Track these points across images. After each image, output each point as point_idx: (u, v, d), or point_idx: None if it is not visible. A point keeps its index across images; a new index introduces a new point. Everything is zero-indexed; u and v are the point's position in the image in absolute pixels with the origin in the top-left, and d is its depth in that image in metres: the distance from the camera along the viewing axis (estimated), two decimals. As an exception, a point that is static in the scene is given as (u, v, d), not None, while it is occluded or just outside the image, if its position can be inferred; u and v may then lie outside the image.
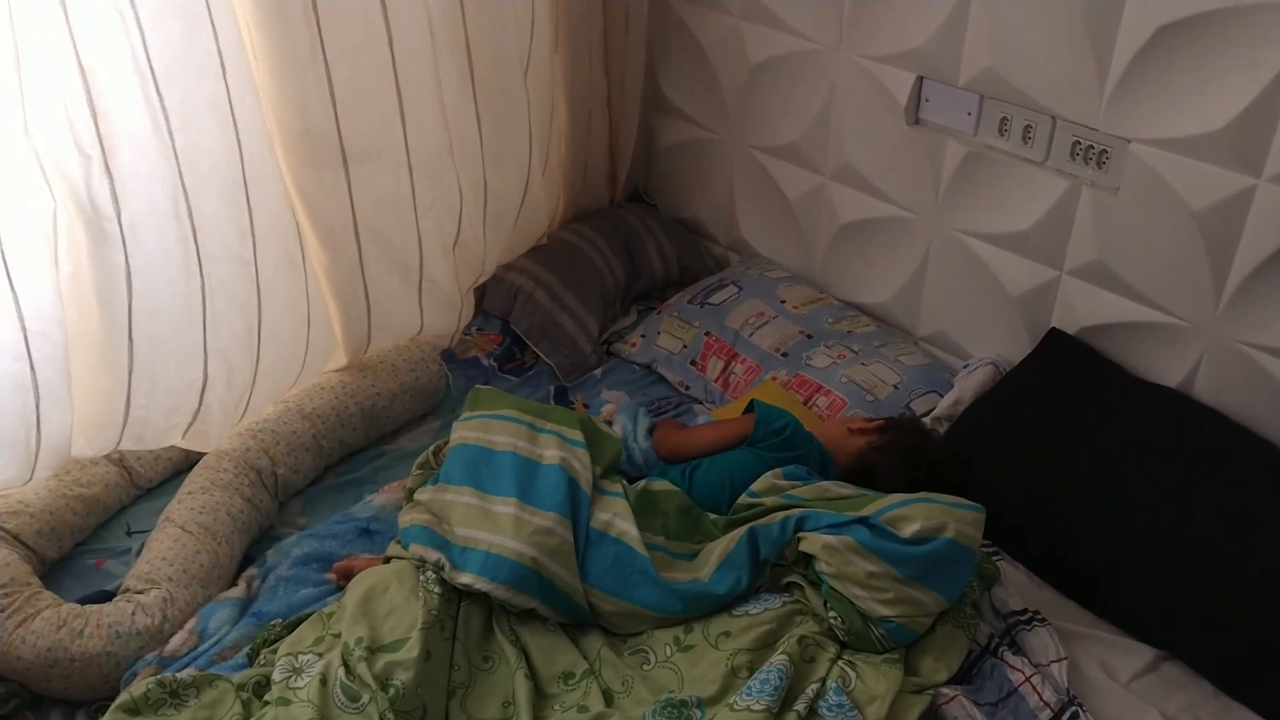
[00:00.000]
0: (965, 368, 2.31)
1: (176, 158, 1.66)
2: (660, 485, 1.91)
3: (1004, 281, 2.23)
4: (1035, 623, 1.81)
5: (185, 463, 2.09)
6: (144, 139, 1.62)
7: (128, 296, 1.68)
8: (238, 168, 1.76)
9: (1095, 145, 1.98)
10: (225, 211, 1.78)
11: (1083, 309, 2.12)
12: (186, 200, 1.70)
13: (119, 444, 1.85)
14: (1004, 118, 2.10)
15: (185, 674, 1.60)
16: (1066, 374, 2.11)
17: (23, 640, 1.67)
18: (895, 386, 2.27)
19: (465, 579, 1.71)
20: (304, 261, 1.96)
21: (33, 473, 1.78)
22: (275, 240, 1.88)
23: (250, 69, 1.77)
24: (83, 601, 1.84)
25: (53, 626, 1.69)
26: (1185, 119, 1.83)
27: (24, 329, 1.65)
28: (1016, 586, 1.89)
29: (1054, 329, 2.18)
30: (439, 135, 2.08)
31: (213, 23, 1.68)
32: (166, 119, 1.64)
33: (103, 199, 1.62)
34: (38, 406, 1.72)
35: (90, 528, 2.00)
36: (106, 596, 1.86)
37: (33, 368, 1.69)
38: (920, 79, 2.20)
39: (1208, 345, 1.95)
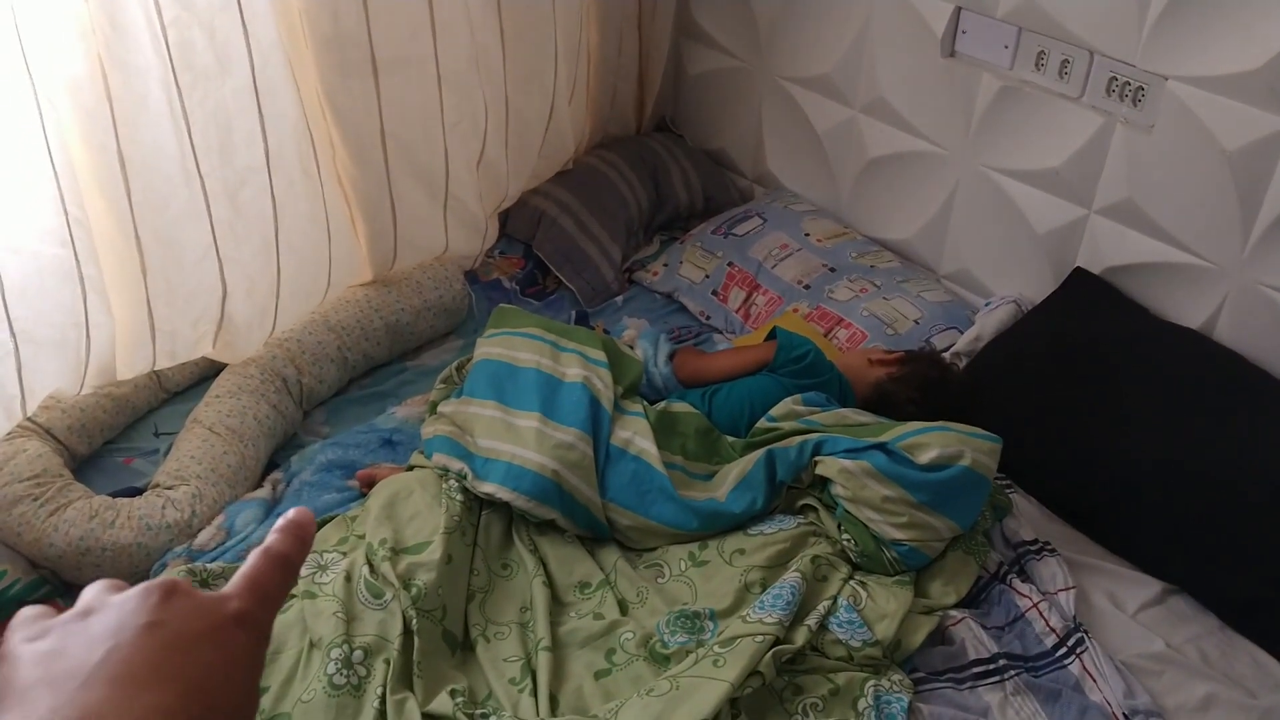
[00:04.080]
0: (987, 305, 2.31)
1: (170, 55, 1.65)
2: (680, 407, 1.94)
3: (1031, 219, 2.22)
4: (1045, 553, 1.83)
5: (212, 368, 2.12)
6: (137, 32, 1.61)
7: (125, 186, 1.68)
8: (246, 73, 1.75)
9: (1132, 82, 1.97)
10: (226, 114, 1.77)
11: (1109, 249, 2.12)
12: (181, 100, 1.69)
13: (154, 361, 1.87)
14: (1041, 51, 2.08)
15: (214, 565, 1.65)
16: (1088, 313, 2.12)
17: (55, 529, 1.71)
18: (916, 321, 2.28)
19: (488, 488, 1.75)
20: (320, 174, 1.96)
21: (82, 383, 1.81)
22: (290, 151, 1.88)
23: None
24: (112, 496, 1.89)
25: (85, 516, 1.73)
26: (1224, 57, 1.82)
27: (66, 213, 1.66)
28: (1028, 518, 1.91)
29: (1079, 268, 2.18)
30: (467, 48, 2.08)
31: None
32: (160, 15, 1.63)
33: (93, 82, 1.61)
34: (85, 302, 1.73)
35: (119, 426, 2.04)
36: (135, 494, 1.90)
37: (77, 257, 1.71)
38: (958, 9, 2.18)
39: (1232, 287, 1.95)
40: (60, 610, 0.46)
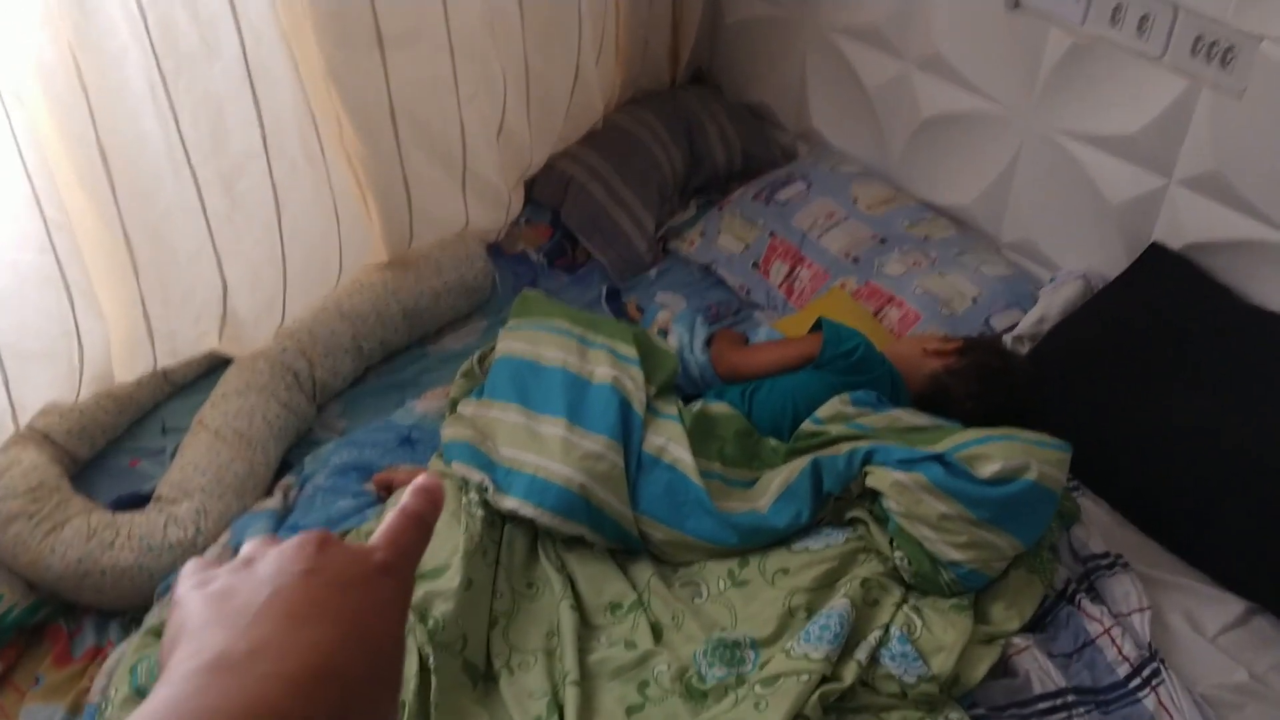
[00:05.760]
0: (1052, 281, 2.13)
1: (150, 38, 1.49)
2: (718, 408, 1.79)
3: (1103, 188, 2.02)
4: (1117, 567, 1.69)
5: (221, 359, 2.00)
6: (109, 13, 1.45)
7: (108, 180, 1.54)
8: (236, 52, 1.59)
9: (1221, 41, 1.75)
10: (215, 99, 1.62)
11: (1190, 223, 1.93)
12: (165, 85, 1.54)
13: (155, 361, 1.75)
14: (1118, 5, 1.86)
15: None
16: (1166, 293, 1.93)
17: (52, 550, 1.61)
18: (974, 300, 2.11)
19: (510, 504, 1.62)
20: (324, 156, 1.80)
21: (78, 391, 1.69)
22: (290, 133, 1.72)
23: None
24: (115, 504, 1.79)
25: (83, 536, 1.63)
26: (1333, 14, 1.60)
27: (43, 216, 1.53)
28: (1098, 526, 1.76)
29: (1155, 243, 1.98)
30: (480, 13, 1.90)
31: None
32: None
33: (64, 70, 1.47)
34: (73, 309, 1.61)
35: (123, 425, 1.93)
36: (141, 499, 1.80)
37: (59, 262, 1.58)
38: (1025, -43, 1.97)
39: (1331, 271, 1.76)
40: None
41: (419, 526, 0.51)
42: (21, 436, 1.74)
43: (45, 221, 1.51)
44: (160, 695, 0.41)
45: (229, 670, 0.42)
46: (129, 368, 1.75)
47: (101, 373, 1.71)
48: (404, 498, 0.52)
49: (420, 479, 0.53)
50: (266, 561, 0.47)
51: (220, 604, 0.46)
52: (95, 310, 1.64)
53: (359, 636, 0.45)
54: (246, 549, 0.50)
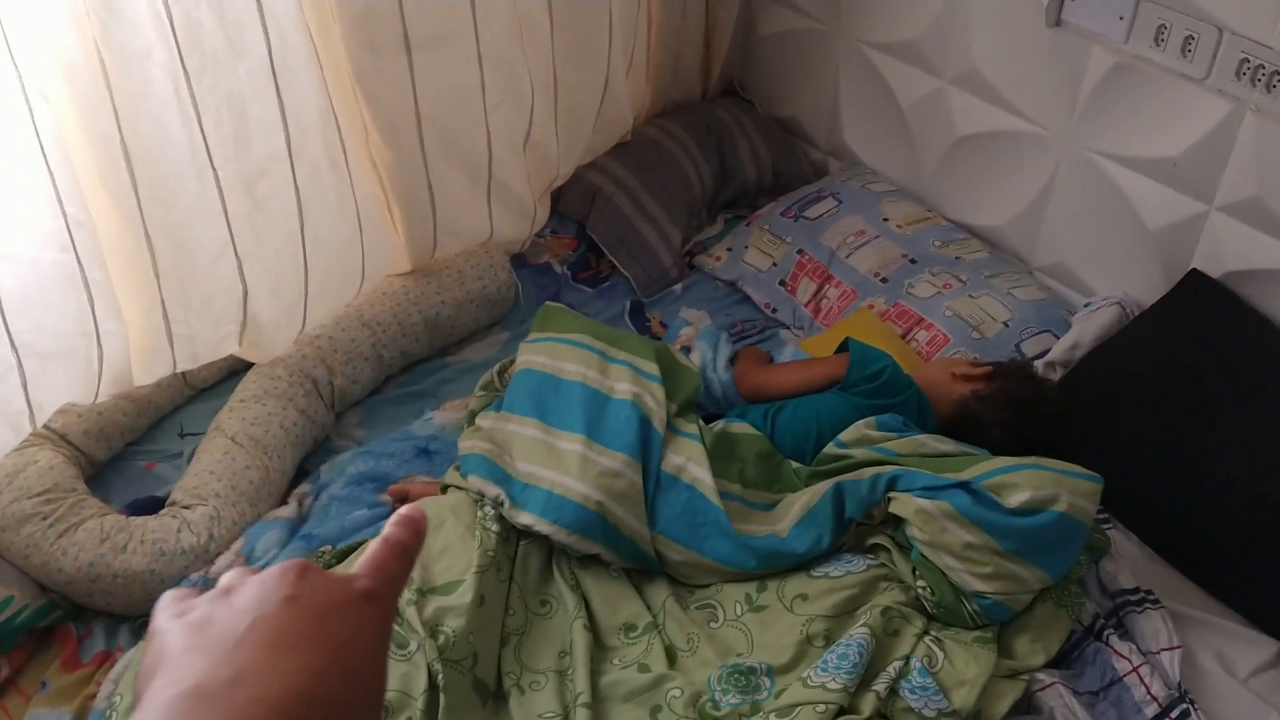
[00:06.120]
0: (1086, 306, 2.08)
1: (175, 37, 1.48)
2: (739, 428, 1.75)
3: (1141, 212, 1.98)
4: (1147, 604, 1.63)
5: (241, 363, 1.98)
6: (135, 13, 1.44)
7: (131, 180, 1.53)
8: (262, 54, 1.57)
9: (1267, 65, 1.71)
10: (240, 100, 1.61)
11: (1231, 251, 1.87)
12: (189, 85, 1.52)
13: (175, 364, 1.74)
14: (1162, 25, 1.82)
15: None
16: (1205, 322, 1.88)
17: (64, 552, 1.60)
18: (1005, 324, 2.06)
19: (525, 519, 1.59)
20: (347, 161, 1.79)
21: (97, 393, 1.68)
22: (314, 137, 1.71)
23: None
24: (130, 508, 1.78)
25: (95, 540, 1.62)
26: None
27: (65, 215, 1.52)
28: (1128, 560, 1.71)
29: (1194, 270, 1.93)
30: (510, 21, 1.88)
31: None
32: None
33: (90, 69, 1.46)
34: (93, 310, 1.60)
35: (141, 428, 1.92)
36: (156, 503, 1.79)
37: (79, 262, 1.57)
38: (1066, -26, 1.92)
39: (1378, 304, 1.71)
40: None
41: (402, 555, 0.51)
42: (38, 436, 1.73)
43: (66, 220, 1.50)
44: None
45: (210, 697, 0.42)
46: (148, 370, 1.73)
47: (120, 375, 1.70)
48: (386, 527, 0.52)
49: (404, 509, 0.53)
50: (246, 590, 0.47)
51: (200, 632, 0.45)
52: (115, 311, 1.63)
53: (341, 663, 0.45)
54: (225, 579, 0.49)
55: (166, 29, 1.47)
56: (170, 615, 0.47)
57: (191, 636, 0.45)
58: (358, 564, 0.50)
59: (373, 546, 0.51)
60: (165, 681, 0.43)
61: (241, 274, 1.73)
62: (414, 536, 0.52)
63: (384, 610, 0.49)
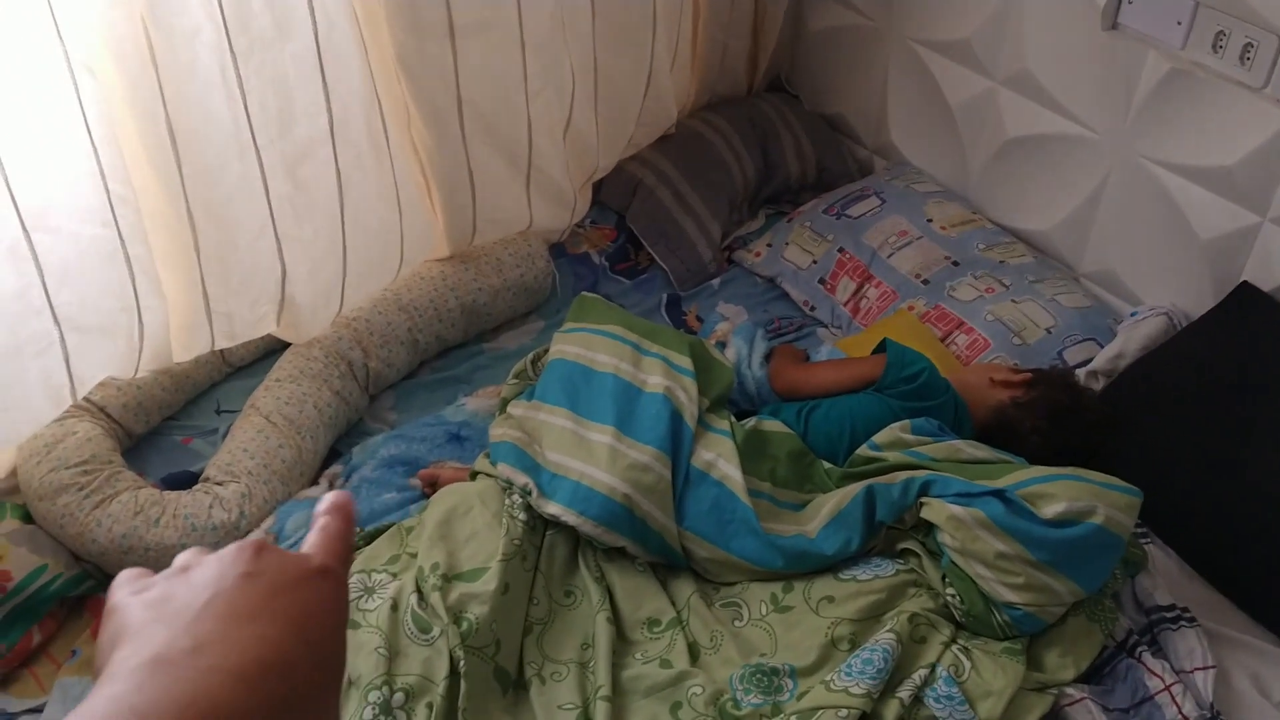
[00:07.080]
0: (1133, 316, 2.04)
1: (223, 17, 1.48)
2: (772, 426, 1.74)
3: (1193, 222, 1.93)
4: (1182, 622, 1.60)
5: (279, 342, 2.00)
6: None
7: (175, 158, 1.53)
8: (309, 37, 1.58)
9: (1331, 73, 1.66)
10: (285, 82, 1.61)
11: (1285, 264, 1.83)
12: (235, 65, 1.53)
13: (213, 342, 1.75)
14: (1220, 31, 1.77)
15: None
16: (1254, 336, 1.83)
17: (98, 523, 1.62)
18: (1048, 330, 2.02)
19: (552, 509, 1.59)
20: (389, 145, 1.79)
21: (137, 368, 1.70)
22: (357, 120, 1.71)
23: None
24: (165, 481, 1.80)
25: (129, 512, 1.63)
26: None
27: (108, 190, 1.54)
28: (1165, 576, 1.68)
29: (1245, 283, 1.89)
30: (552, 8, 1.87)
31: None
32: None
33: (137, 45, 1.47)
34: (134, 286, 1.62)
35: (179, 404, 1.94)
36: (190, 478, 1.81)
37: (121, 237, 1.58)
38: (1125, -24, 1.88)
39: None
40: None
41: (342, 537, 0.53)
42: (78, 408, 1.75)
43: (109, 196, 1.51)
44: (102, 693, 0.41)
45: (171, 665, 0.42)
46: (187, 347, 1.75)
47: (160, 350, 1.72)
48: (320, 516, 0.54)
49: (330, 495, 0.55)
50: (204, 568, 0.48)
51: (160, 607, 0.46)
52: (156, 288, 1.64)
53: (300, 635, 0.46)
54: (181, 558, 0.50)
55: (215, 8, 1.48)
56: (129, 592, 0.48)
57: (151, 610, 0.46)
58: (305, 544, 0.52)
59: (314, 530, 0.53)
60: (127, 652, 0.44)
61: (281, 255, 1.74)
62: (347, 521, 0.54)
63: (338, 584, 0.50)
